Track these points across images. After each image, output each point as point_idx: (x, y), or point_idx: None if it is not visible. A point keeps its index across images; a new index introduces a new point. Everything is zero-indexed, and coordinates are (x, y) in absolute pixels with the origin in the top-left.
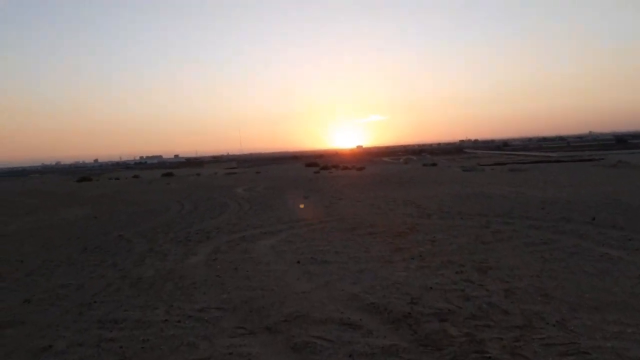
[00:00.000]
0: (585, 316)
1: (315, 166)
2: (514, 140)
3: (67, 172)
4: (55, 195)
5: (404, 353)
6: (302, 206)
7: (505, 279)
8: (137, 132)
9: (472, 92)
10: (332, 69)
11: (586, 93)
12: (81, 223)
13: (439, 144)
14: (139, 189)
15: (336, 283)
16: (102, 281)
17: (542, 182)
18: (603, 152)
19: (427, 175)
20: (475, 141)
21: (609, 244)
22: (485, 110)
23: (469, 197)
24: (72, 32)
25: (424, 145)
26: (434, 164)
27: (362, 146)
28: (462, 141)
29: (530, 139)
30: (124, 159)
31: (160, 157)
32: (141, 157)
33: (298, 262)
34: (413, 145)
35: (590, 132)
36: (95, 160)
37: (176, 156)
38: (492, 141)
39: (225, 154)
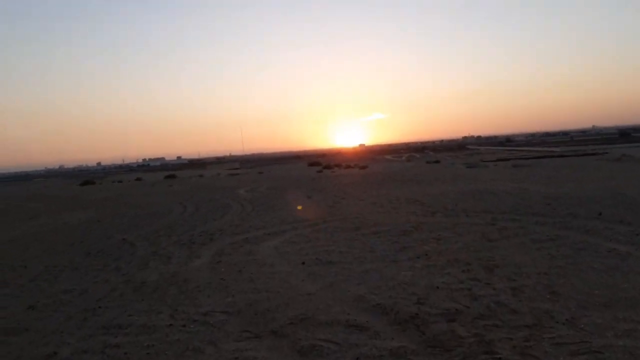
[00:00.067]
0: (595, 314)
1: (317, 165)
2: (517, 135)
3: (71, 175)
4: (59, 199)
5: (412, 355)
6: (299, 207)
7: (512, 277)
8: (140, 134)
9: (474, 88)
10: (334, 68)
11: (589, 87)
12: (84, 227)
13: (441, 141)
14: (141, 191)
15: (341, 284)
16: (106, 286)
17: (546, 178)
18: (607, 146)
19: (430, 173)
20: (478, 137)
21: (616, 240)
22: (487, 107)
23: (473, 194)
24: (75, 36)
25: (426, 142)
26: (437, 161)
27: (364, 145)
28: (465, 138)
29: (533, 134)
30: (127, 161)
31: (163, 159)
32: (144, 160)
33: (302, 263)
34: (415, 143)
35: (593, 126)
36: (98, 164)
37: (179, 158)
38: (495, 137)
39: (228, 154)
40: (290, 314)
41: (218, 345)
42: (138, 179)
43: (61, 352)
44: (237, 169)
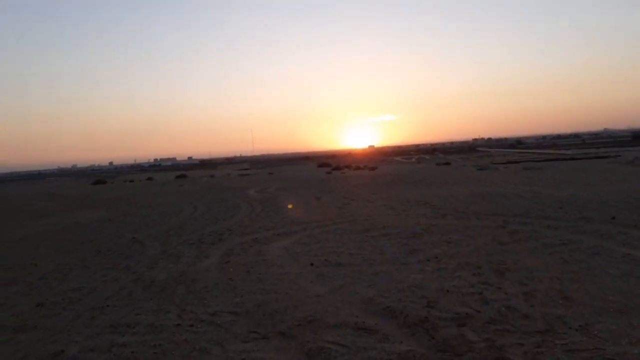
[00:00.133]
0: (609, 320)
1: (327, 167)
2: (528, 138)
3: (83, 175)
4: (70, 198)
5: (422, 359)
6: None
7: (524, 282)
8: (152, 134)
9: (485, 90)
10: (344, 69)
11: (601, 89)
12: (95, 226)
13: (451, 143)
14: (152, 191)
15: (350, 286)
16: (115, 284)
17: (558, 181)
18: (619, 148)
19: (440, 175)
20: (489, 139)
21: (631, 244)
22: (498, 108)
23: (484, 197)
24: (90, 38)
25: (436, 144)
26: (447, 163)
27: (374, 146)
28: (475, 140)
29: (544, 137)
30: (139, 161)
31: (174, 159)
32: (155, 160)
33: (311, 264)
34: (425, 144)
35: (605, 128)
36: (111, 163)
37: (190, 158)
38: (506, 139)
39: (238, 155)
40: (299, 316)
41: (225, 346)
42: (149, 179)
43: (68, 350)
44: (247, 169)
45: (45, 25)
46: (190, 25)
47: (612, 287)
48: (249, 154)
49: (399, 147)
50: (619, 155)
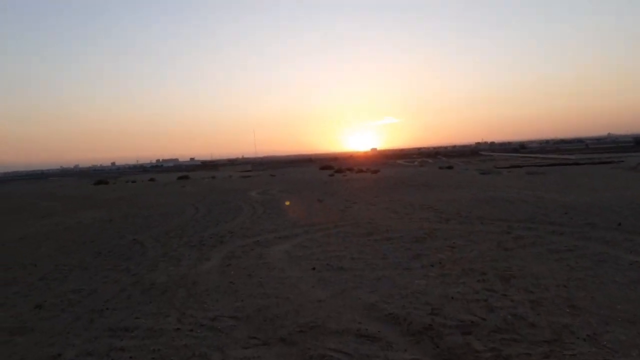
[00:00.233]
0: (618, 330)
1: (329, 169)
2: (531, 142)
3: (86, 175)
4: (72, 198)
5: None
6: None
7: (530, 289)
8: (154, 135)
9: (488, 93)
10: (347, 71)
11: (605, 94)
12: (96, 226)
13: (454, 147)
14: (154, 192)
15: (352, 291)
16: (115, 287)
17: (562, 186)
18: (622, 154)
19: (443, 179)
20: (492, 143)
21: (637, 252)
22: (501, 112)
23: (487, 201)
24: (91, 37)
25: (439, 147)
26: (450, 167)
27: (376, 149)
28: (478, 143)
29: (547, 141)
30: (141, 162)
31: (176, 160)
32: (158, 160)
33: (313, 268)
34: (428, 148)
35: (609, 133)
36: (113, 164)
37: (192, 159)
38: (509, 143)
39: (241, 156)
40: (300, 321)
41: (225, 351)
42: (151, 180)
43: (66, 353)
44: (249, 171)
45: (47, 25)
46: (193, 26)
47: (620, 296)
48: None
49: (401, 150)
50: (622, 161)
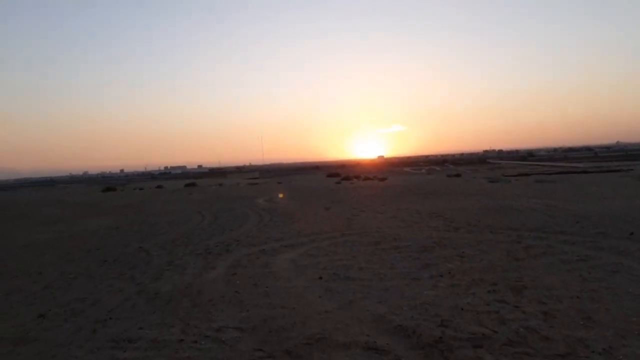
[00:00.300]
0: (635, 343)
1: (336, 177)
2: (539, 150)
3: (94, 182)
4: (80, 205)
5: None
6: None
7: (542, 300)
8: (162, 142)
9: (495, 101)
10: (354, 78)
11: (613, 102)
12: (102, 233)
13: (461, 154)
14: (161, 199)
15: (360, 302)
16: (119, 296)
17: (571, 194)
18: (631, 162)
19: (451, 187)
20: (500, 151)
21: None
22: (509, 120)
23: (497, 210)
24: (99, 45)
25: (446, 155)
26: (458, 175)
27: (383, 156)
28: (485, 151)
29: (555, 149)
30: (149, 169)
31: (184, 167)
32: (166, 167)
33: (320, 278)
34: (435, 155)
35: (617, 142)
36: (121, 171)
37: (199, 166)
38: (517, 151)
39: (248, 164)
40: (306, 333)
41: None
42: (159, 187)
43: None
44: (256, 178)
45: (58, 30)
46: (201, 32)
47: (634, 308)
48: (259, 162)
49: (409, 157)
50: (632, 169)
